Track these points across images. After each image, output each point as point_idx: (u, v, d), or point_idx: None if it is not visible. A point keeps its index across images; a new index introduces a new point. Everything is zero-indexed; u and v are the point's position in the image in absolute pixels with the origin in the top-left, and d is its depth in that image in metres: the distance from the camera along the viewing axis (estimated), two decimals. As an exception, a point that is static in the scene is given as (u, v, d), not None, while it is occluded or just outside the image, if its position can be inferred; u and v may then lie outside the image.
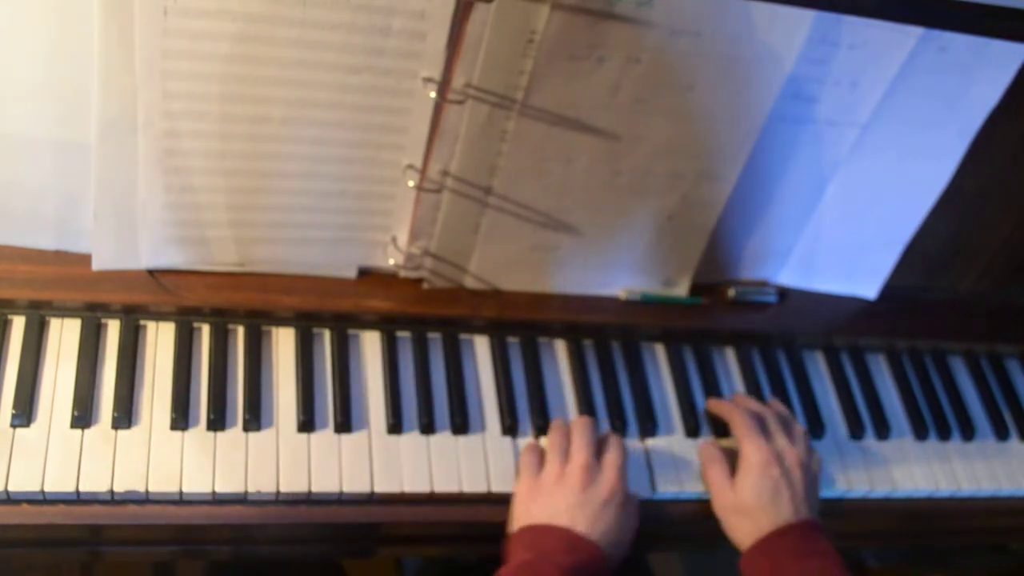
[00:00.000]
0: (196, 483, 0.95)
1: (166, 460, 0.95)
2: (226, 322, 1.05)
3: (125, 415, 0.96)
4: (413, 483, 1.00)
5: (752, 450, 1.04)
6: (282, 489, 0.96)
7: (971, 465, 1.20)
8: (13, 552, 0.93)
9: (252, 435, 0.99)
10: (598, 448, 1.03)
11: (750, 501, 1.01)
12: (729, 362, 1.21)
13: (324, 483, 0.98)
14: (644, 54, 0.97)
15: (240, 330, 1.06)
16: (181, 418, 0.98)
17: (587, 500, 0.97)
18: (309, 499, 0.97)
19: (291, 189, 1.02)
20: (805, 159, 1.13)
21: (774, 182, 1.14)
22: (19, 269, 1.00)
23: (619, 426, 1.10)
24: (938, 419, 1.23)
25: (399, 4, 0.91)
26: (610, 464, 1.01)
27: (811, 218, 1.19)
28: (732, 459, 1.06)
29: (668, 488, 1.08)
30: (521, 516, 0.98)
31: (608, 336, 1.17)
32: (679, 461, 1.10)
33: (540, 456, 1.03)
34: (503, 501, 1.02)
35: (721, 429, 1.13)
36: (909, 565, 1.62)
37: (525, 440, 1.07)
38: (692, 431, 1.12)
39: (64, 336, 1.00)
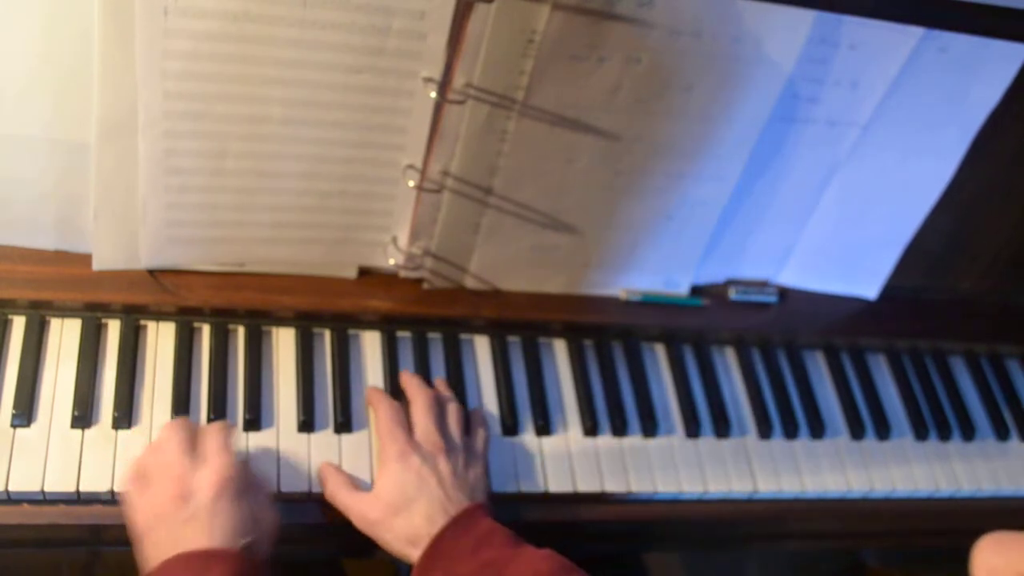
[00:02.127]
0: (196, 483, 0.94)
1: (166, 460, 0.95)
2: (226, 322, 1.05)
3: (125, 415, 0.96)
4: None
5: (386, 443, 0.96)
6: (282, 489, 0.96)
7: (971, 465, 1.20)
8: (13, 552, 0.93)
9: (252, 435, 0.99)
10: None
11: (395, 497, 0.92)
12: (729, 362, 1.21)
13: (324, 483, 0.98)
14: (644, 54, 0.97)
15: (240, 330, 1.06)
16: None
17: (187, 511, 0.84)
18: (309, 499, 0.97)
19: (291, 189, 1.02)
20: (805, 159, 1.13)
21: (774, 182, 1.14)
22: (19, 269, 1.00)
23: (620, 426, 1.10)
24: (938, 419, 1.23)
25: (399, 4, 0.91)
26: (211, 455, 0.88)
27: (811, 218, 1.19)
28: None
29: (668, 488, 1.08)
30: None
31: (608, 336, 1.17)
32: (679, 461, 1.10)
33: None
34: (503, 501, 1.02)
35: (722, 430, 1.13)
36: (909, 565, 1.62)
37: (526, 440, 1.07)
38: (692, 431, 1.12)
39: (64, 336, 1.00)
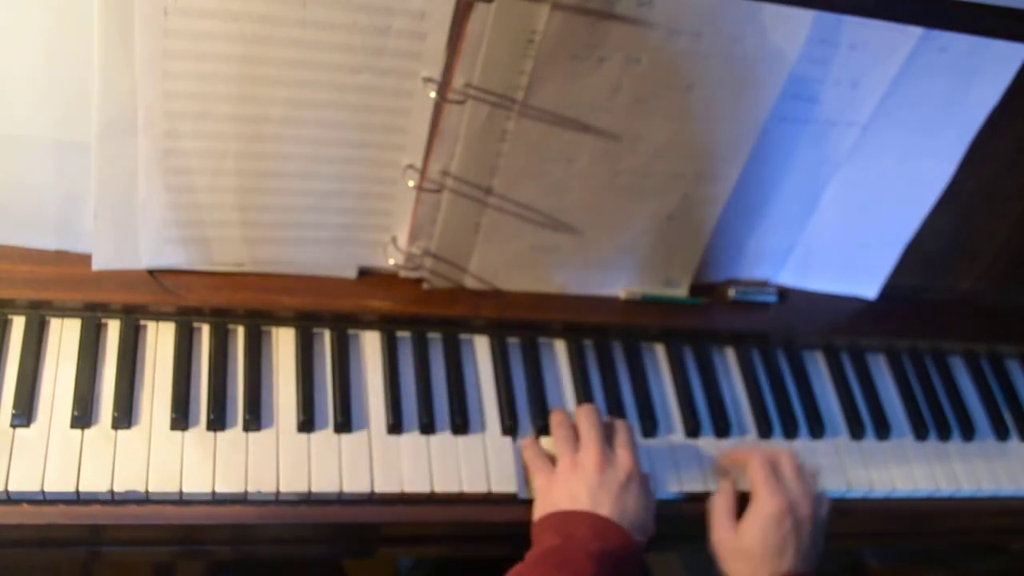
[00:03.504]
0: (196, 483, 0.95)
1: (166, 460, 0.95)
2: (226, 322, 1.05)
3: (125, 415, 0.96)
4: (413, 483, 1.00)
5: (767, 497, 1.01)
6: (282, 489, 0.96)
7: (971, 465, 1.20)
8: (13, 552, 0.93)
9: (252, 435, 0.99)
10: (605, 433, 1.03)
11: (755, 549, 0.99)
12: (729, 362, 1.21)
13: (324, 483, 0.98)
14: (644, 54, 0.97)
15: (240, 330, 1.06)
16: (181, 418, 0.98)
17: (606, 482, 0.97)
18: (309, 499, 0.97)
19: (291, 189, 1.02)
20: (805, 159, 1.13)
21: (774, 182, 1.14)
22: (19, 269, 1.00)
23: (619, 426, 1.10)
24: (938, 419, 1.23)
25: (399, 4, 0.91)
26: (622, 445, 1.02)
27: (811, 218, 1.19)
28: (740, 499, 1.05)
29: (668, 488, 1.08)
30: (542, 507, 0.98)
31: (608, 336, 1.17)
32: (679, 461, 1.10)
33: (545, 453, 1.04)
34: (503, 501, 1.02)
35: (722, 430, 1.13)
36: (909, 565, 1.63)
37: (525, 440, 1.07)
38: (692, 431, 1.12)
39: (64, 336, 1.00)
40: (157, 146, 0.95)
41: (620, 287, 1.18)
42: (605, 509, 0.95)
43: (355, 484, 0.99)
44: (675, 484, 1.08)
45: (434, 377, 1.08)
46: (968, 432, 1.23)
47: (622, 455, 1.00)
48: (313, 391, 1.03)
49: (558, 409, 1.08)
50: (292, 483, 0.97)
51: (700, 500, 1.08)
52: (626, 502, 0.97)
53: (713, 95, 1.02)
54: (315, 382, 1.03)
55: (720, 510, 1.04)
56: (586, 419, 1.03)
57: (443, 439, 1.04)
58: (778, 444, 1.15)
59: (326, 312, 1.07)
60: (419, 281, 1.12)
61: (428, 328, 1.11)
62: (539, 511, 0.99)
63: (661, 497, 1.07)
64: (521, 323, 1.14)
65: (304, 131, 0.97)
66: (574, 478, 0.98)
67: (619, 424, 1.05)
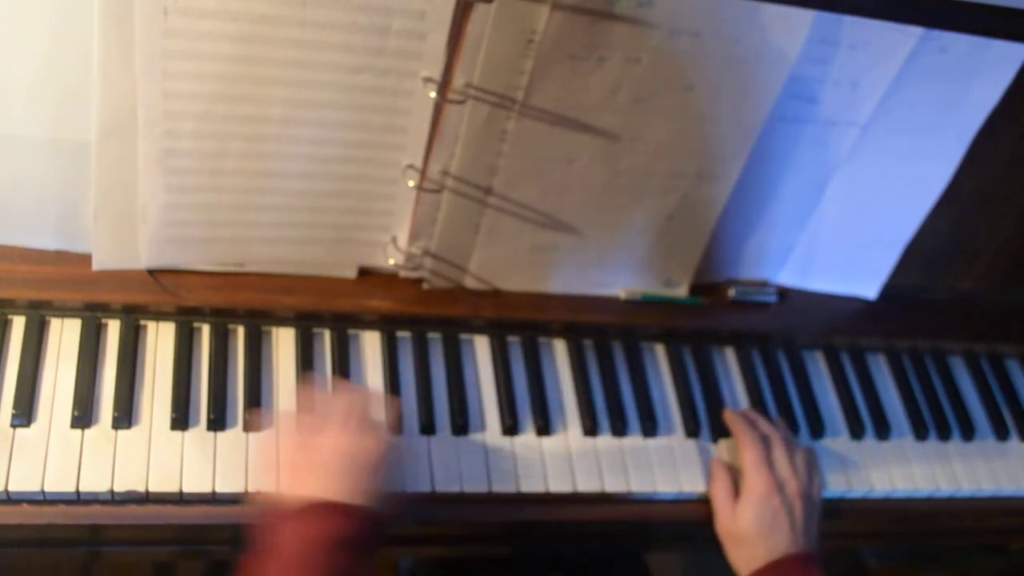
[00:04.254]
0: (196, 483, 0.95)
1: (166, 460, 0.95)
2: (226, 322, 1.05)
3: (125, 415, 0.96)
4: (413, 483, 1.00)
5: (755, 477, 1.03)
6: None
7: (971, 465, 1.20)
8: (13, 552, 0.93)
9: (252, 435, 0.99)
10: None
11: (748, 530, 1.01)
12: (729, 362, 1.21)
13: (324, 483, 0.98)
14: (644, 54, 0.97)
15: (240, 330, 1.06)
16: (181, 418, 0.98)
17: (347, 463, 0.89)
18: (309, 499, 0.97)
19: (291, 189, 1.02)
20: (805, 159, 1.13)
21: (774, 182, 1.14)
22: (19, 269, 1.00)
23: (619, 426, 1.10)
24: (938, 419, 1.23)
25: (399, 4, 0.91)
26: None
27: (811, 218, 1.19)
28: (738, 476, 1.07)
29: (668, 488, 1.08)
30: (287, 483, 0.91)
31: (608, 336, 1.17)
32: (679, 461, 1.10)
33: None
34: (504, 501, 1.02)
35: (721, 430, 1.13)
36: (909, 565, 1.62)
37: (526, 440, 1.07)
38: (692, 431, 1.12)
39: (64, 336, 1.00)
40: (157, 146, 0.95)
41: (620, 287, 1.18)
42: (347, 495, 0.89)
43: (355, 484, 0.99)
44: (674, 484, 1.08)
45: (434, 377, 1.08)
46: (968, 432, 1.23)
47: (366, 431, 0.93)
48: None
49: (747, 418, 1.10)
50: (292, 483, 0.97)
51: (700, 501, 1.08)
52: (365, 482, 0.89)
53: (713, 95, 1.02)
54: (315, 382, 1.03)
55: (719, 497, 1.05)
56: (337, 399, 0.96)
57: (443, 439, 1.04)
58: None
59: (326, 312, 1.07)
60: (419, 281, 1.12)
61: (428, 328, 1.11)
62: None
63: (660, 498, 1.08)
64: (521, 323, 1.14)
65: (304, 131, 0.97)
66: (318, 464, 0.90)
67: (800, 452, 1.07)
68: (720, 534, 1.05)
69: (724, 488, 1.06)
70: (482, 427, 1.07)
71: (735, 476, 1.07)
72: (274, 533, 0.84)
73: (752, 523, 1.01)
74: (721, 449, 1.12)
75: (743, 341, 1.21)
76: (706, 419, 1.14)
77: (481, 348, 1.12)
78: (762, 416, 1.13)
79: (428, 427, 1.04)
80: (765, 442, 1.07)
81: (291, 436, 0.94)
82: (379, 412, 0.99)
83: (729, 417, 1.12)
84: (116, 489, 0.92)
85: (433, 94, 0.96)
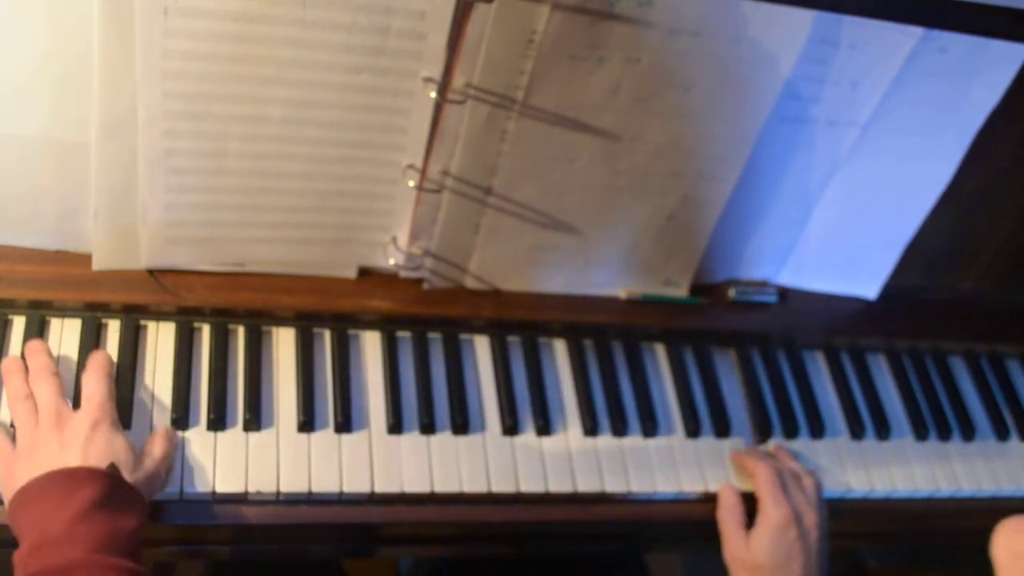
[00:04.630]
0: (196, 483, 0.95)
1: (166, 460, 0.95)
2: (226, 322, 1.05)
3: (125, 415, 0.96)
4: (413, 483, 1.00)
5: (772, 508, 1.03)
6: (282, 489, 0.96)
7: (971, 465, 1.20)
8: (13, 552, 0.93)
9: (252, 435, 0.99)
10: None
11: (764, 560, 1.01)
12: (729, 362, 1.21)
13: (324, 483, 0.98)
14: (644, 54, 0.97)
15: (240, 330, 1.06)
16: (181, 418, 0.98)
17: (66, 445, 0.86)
18: (309, 499, 0.97)
19: (291, 189, 1.02)
20: (805, 159, 1.13)
21: (774, 182, 1.14)
22: (19, 269, 1.00)
23: (620, 426, 1.10)
24: (938, 419, 1.23)
25: (399, 4, 0.91)
26: (89, 392, 0.92)
27: (811, 218, 1.19)
28: (748, 504, 1.06)
29: (668, 488, 1.08)
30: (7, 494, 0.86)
31: (608, 336, 1.17)
32: (679, 461, 1.10)
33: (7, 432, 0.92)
34: (504, 501, 1.02)
35: (722, 430, 1.13)
36: (909, 565, 1.62)
37: (526, 440, 1.07)
38: (692, 431, 1.12)
39: (64, 336, 1.00)
40: (157, 146, 0.95)
41: (620, 287, 1.18)
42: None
43: (355, 484, 0.99)
44: (674, 484, 1.08)
45: (434, 377, 1.08)
46: (968, 432, 1.23)
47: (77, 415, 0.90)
48: (313, 391, 1.03)
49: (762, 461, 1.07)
50: (292, 483, 0.97)
51: (700, 501, 1.08)
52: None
53: (713, 95, 1.02)
54: (315, 382, 1.03)
55: (729, 525, 1.04)
56: (34, 378, 0.93)
57: (443, 439, 1.05)
58: (778, 444, 1.15)
59: (326, 312, 1.07)
60: (419, 281, 1.12)
61: (428, 328, 1.11)
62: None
63: (660, 498, 1.08)
64: (521, 323, 1.14)
65: (304, 131, 0.97)
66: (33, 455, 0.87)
67: (89, 367, 0.95)
68: (729, 561, 1.04)
69: (735, 515, 1.05)
70: (482, 427, 1.07)
71: (744, 502, 1.06)
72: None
73: (768, 554, 1.00)
74: (723, 449, 1.12)
75: (743, 341, 1.21)
76: (706, 419, 1.14)
77: (481, 348, 1.12)
78: (771, 451, 1.13)
79: (428, 427, 1.04)
80: (779, 472, 1.06)
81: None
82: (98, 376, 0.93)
83: (736, 456, 1.11)
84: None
85: (433, 94, 0.96)
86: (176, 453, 0.95)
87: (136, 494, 0.85)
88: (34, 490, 0.82)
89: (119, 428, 0.91)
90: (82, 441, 0.86)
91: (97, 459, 0.85)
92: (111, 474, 0.84)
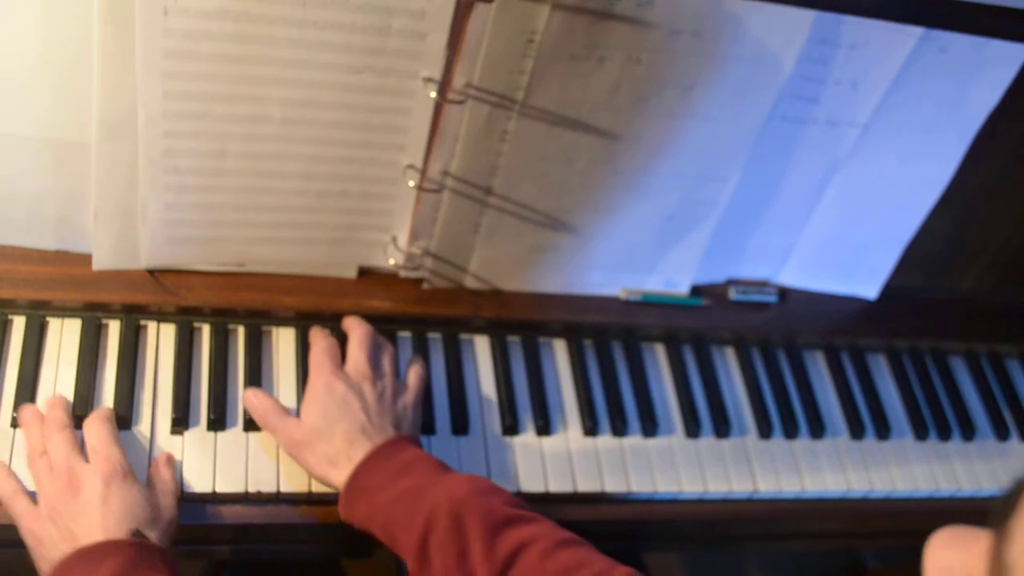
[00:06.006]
0: (196, 483, 0.95)
1: (166, 460, 0.95)
2: (226, 322, 1.05)
3: (125, 415, 0.96)
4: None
5: (315, 373, 0.97)
6: (282, 489, 0.96)
7: (971, 465, 1.20)
8: (13, 552, 0.93)
9: (252, 435, 0.99)
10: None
11: (318, 419, 0.94)
12: (729, 362, 1.21)
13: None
14: (644, 54, 0.97)
15: (240, 330, 1.06)
16: (181, 418, 0.98)
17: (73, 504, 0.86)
18: (309, 499, 0.97)
19: (291, 189, 1.02)
20: (805, 159, 1.13)
21: (774, 182, 1.14)
22: (19, 269, 1.00)
23: (620, 426, 1.10)
24: (938, 419, 1.23)
25: (399, 4, 0.91)
26: (97, 447, 0.89)
27: (811, 218, 1.19)
28: None
29: (668, 488, 1.08)
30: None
31: (608, 336, 1.17)
32: (679, 461, 1.10)
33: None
34: (503, 501, 1.02)
35: (722, 430, 1.13)
36: (909, 565, 1.62)
37: (526, 440, 1.07)
38: (692, 431, 1.12)
39: (64, 336, 1.00)
40: (157, 146, 0.95)
41: (620, 287, 1.18)
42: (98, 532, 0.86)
43: (355, 484, 0.99)
44: (674, 484, 1.08)
45: (434, 377, 1.08)
46: (968, 432, 1.23)
47: (91, 464, 0.89)
48: (313, 391, 1.02)
49: (29, 409, 0.94)
50: (292, 483, 0.97)
51: (700, 501, 1.08)
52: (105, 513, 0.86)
53: (713, 95, 1.02)
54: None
55: (271, 416, 0.96)
56: (49, 429, 0.92)
57: (443, 439, 1.05)
58: (778, 444, 1.15)
59: (326, 312, 1.07)
60: (419, 281, 1.12)
61: (428, 328, 1.11)
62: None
63: (661, 497, 1.08)
64: (521, 323, 1.14)
65: (304, 131, 0.97)
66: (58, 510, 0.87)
67: (92, 421, 0.93)
68: (292, 446, 0.95)
69: (270, 406, 0.97)
70: (482, 427, 1.07)
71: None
72: None
73: (318, 413, 0.94)
74: (723, 449, 1.12)
75: (743, 341, 1.21)
76: (706, 419, 1.14)
77: (481, 348, 1.13)
78: (357, 318, 1.05)
79: (428, 427, 1.04)
80: (338, 345, 1.01)
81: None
82: (104, 432, 0.91)
83: (313, 331, 1.04)
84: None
85: (433, 94, 0.96)
86: (179, 452, 0.96)
87: (159, 553, 0.84)
88: (60, 574, 0.83)
89: (130, 476, 0.88)
90: (99, 505, 0.85)
91: (116, 523, 0.85)
92: (133, 542, 0.83)
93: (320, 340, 1.02)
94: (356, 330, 1.03)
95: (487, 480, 0.91)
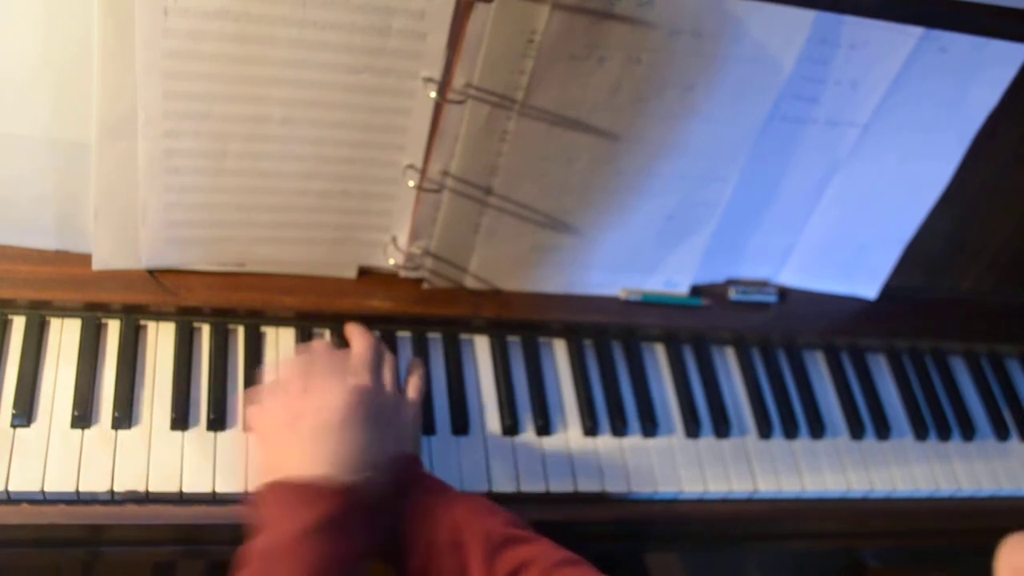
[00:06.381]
0: (196, 483, 0.95)
1: (166, 460, 0.95)
2: (226, 322, 1.05)
3: (125, 415, 0.96)
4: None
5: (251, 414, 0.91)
6: (282, 489, 0.96)
7: (971, 465, 1.20)
8: (13, 552, 0.93)
9: (252, 435, 0.99)
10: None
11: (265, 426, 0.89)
12: (729, 362, 1.21)
13: (324, 483, 0.98)
14: (644, 54, 0.97)
15: (240, 330, 1.06)
16: (181, 418, 0.98)
17: (298, 429, 0.84)
18: (309, 499, 0.97)
19: (291, 189, 1.02)
20: (805, 159, 1.13)
21: (774, 182, 1.14)
22: (19, 269, 1.00)
23: (620, 426, 1.10)
24: (938, 419, 1.23)
25: (399, 4, 0.91)
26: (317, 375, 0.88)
27: (811, 218, 1.19)
28: None
29: (668, 488, 1.08)
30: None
31: (608, 336, 1.17)
32: (679, 461, 1.10)
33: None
34: (504, 501, 1.02)
35: (722, 430, 1.13)
36: (909, 565, 1.62)
37: (526, 440, 1.07)
38: (692, 431, 1.12)
39: (64, 336, 1.00)
40: (157, 146, 0.95)
41: (620, 287, 1.18)
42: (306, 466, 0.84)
43: (355, 484, 0.99)
44: (674, 484, 1.08)
45: (434, 377, 1.08)
46: (968, 432, 1.23)
47: (316, 390, 0.88)
48: (313, 391, 1.02)
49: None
50: (292, 483, 0.97)
51: (700, 501, 1.08)
52: (328, 445, 0.84)
53: (713, 95, 1.02)
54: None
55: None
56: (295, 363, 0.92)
57: (443, 439, 1.05)
58: (778, 444, 1.15)
59: (326, 312, 1.07)
60: (419, 281, 1.12)
61: (428, 328, 1.11)
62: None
63: (661, 497, 1.08)
64: (521, 323, 1.14)
65: (304, 131, 0.97)
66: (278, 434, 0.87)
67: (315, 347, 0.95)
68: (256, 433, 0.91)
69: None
70: (482, 427, 1.07)
71: None
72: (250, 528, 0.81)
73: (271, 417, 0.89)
74: (723, 449, 1.12)
75: (743, 341, 1.21)
76: (706, 419, 1.14)
77: (481, 348, 1.12)
78: (359, 326, 1.02)
79: (428, 427, 1.04)
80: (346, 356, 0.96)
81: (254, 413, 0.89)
82: (354, 366, 0.91)
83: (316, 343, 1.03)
84: (116, 489, 0.92)
85: (433, 94, 0.96)
86: (179, 452, 0.95)
87: (360, 520, 0.81)
88: (278, 492, 0.81)
89: (364, 420, 0.86)
90: (310, 443, 0.83)
91: (329, 466, 0.82)
92: (343, 499, 0.80)
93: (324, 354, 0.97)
94: (358, 341, 1.00)
95: (486, 499, 0.91)
